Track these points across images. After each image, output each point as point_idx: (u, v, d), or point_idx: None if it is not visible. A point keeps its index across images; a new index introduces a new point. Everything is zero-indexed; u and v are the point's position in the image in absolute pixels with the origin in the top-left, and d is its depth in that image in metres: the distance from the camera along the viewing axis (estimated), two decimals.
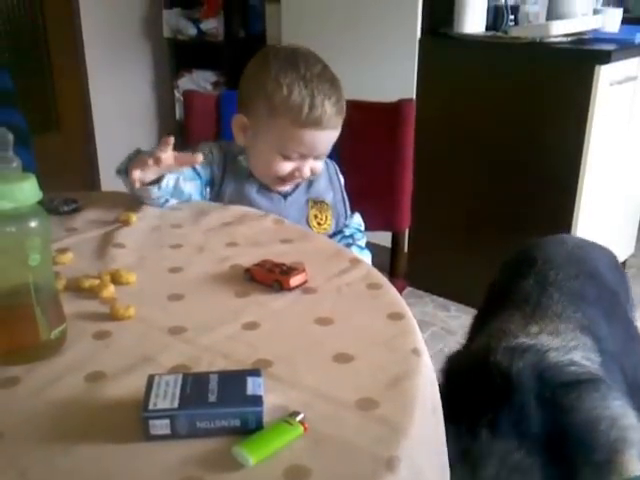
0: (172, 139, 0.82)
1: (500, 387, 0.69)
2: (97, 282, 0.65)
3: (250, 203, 0.95)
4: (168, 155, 0.82)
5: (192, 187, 0.92)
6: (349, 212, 1.07)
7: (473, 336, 0.92)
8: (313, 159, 0.96)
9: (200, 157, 0.85)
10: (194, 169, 0.94)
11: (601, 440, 0.65)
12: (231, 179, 0.97)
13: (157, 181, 0.85)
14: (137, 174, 0.82)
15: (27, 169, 0.52)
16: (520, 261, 0.99)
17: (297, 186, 1.01)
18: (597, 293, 0.91)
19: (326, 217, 1.02)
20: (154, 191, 0.85)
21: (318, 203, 1.02)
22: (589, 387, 0.69)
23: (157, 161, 0.81)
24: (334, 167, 1.08)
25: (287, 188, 0.99)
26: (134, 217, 0.82)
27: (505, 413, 0.66)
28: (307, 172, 0.96)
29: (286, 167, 0.94)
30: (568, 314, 0.82)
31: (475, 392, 0.71)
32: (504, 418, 0.66)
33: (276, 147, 0.93)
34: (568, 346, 0.75)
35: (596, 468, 0.64)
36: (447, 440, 0.53)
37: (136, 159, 0.85)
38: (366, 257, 1.05)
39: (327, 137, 0.94)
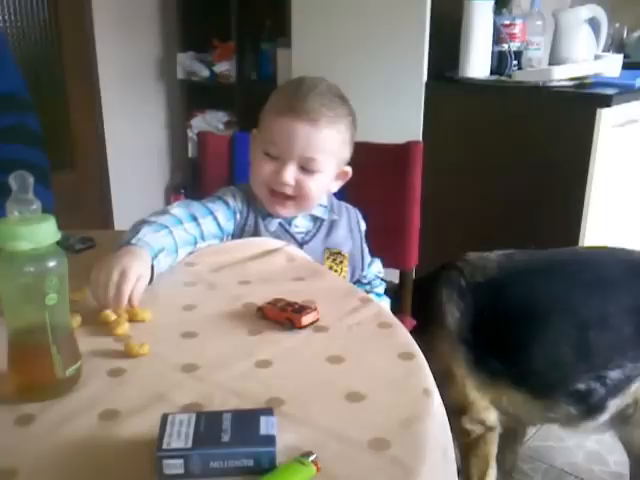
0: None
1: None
2: (112, 319, 0.66)
3: None
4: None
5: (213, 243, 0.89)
6: (367, 262, 1.05)
7: None
8: (299, 168, 0.89)
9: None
10: (218, 224, 0.89)
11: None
12: (250, 228, 0.94)
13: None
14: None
15: (46, 208, 0.53)
16: None
17: (314, 235, 0.97)
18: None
19: (342, 269, 0.99)
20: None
21: (334, 254, 0.98)
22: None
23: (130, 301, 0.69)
24: (356, 215, 1.04)
25: (285, 213, 0.93)
26: None
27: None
28: (288, 178, 0.88)
29: (267, 167, 0.89)
30: None
31: None
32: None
33: (262, 145, 0.90)
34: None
35: None
36: None
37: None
38: (385, 303, 1.04)
39: (306, 133, 0.86)
